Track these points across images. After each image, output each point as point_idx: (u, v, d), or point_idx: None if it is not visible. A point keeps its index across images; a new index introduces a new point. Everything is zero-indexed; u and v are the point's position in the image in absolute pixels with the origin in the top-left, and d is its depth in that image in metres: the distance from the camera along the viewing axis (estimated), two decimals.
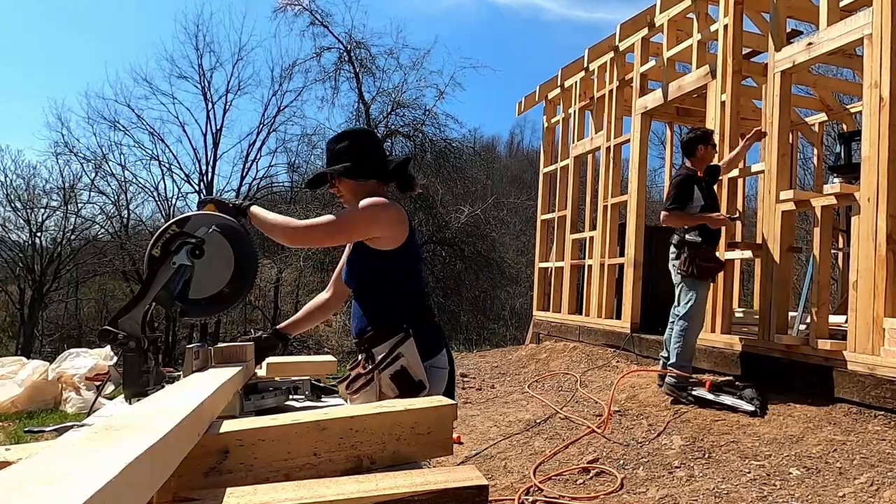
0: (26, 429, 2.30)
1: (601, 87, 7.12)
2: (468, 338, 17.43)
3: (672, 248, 4.53)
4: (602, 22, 51.98)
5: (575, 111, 7.62)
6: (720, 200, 4.87)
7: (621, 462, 3.63)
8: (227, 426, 1.14)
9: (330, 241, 2.00)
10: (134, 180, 19.78)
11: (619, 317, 6.41)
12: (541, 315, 8.07)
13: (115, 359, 1.85)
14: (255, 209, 1.99)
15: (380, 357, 1.87)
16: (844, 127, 6.89)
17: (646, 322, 6.07)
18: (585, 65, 7.26)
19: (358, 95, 17.67)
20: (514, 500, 3.28)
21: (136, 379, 1.75)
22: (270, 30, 38.88)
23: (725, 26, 5.18)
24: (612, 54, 6.83)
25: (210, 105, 19.65)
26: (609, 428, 4.13)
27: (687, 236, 4.39)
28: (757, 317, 4.79)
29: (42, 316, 19.53)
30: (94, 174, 19.28)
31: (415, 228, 2.01)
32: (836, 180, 5.13)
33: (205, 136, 19.62)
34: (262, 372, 2.17)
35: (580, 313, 7.17)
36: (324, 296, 2.22)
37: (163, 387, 1.73)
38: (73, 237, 19.63)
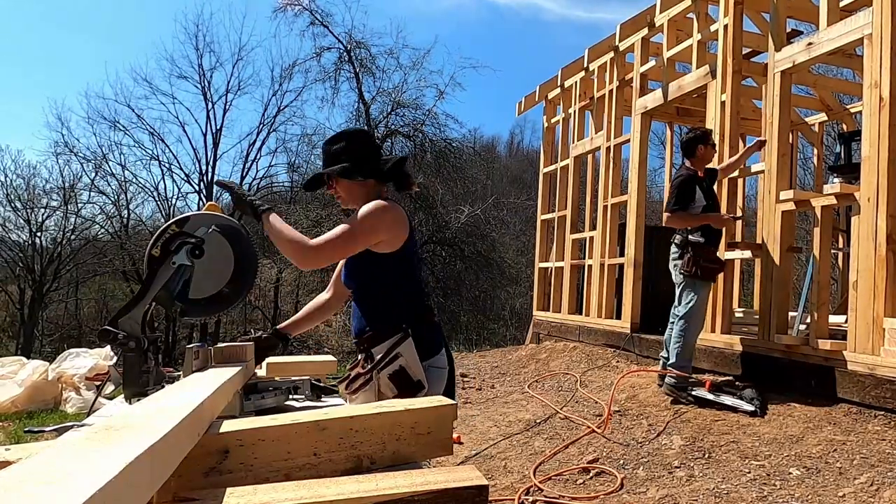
0: (26, 429, 2.30)
1: (601, 87, 7.12)
2: (468, 338, 17.43)
3: (674, 248, 4.53)
4: (602, 22, 52.02)
5: (575, 111, 7.62)
6: (720, 200, 4.88)
7: (621, 462, 3.63)
8: (227, 426, 1.14)
9: (341, 255, 1.92)
10: (134, 180, 19.83)
11: (619, 317, 6.41)
12: (541, 315, 8.07)
13: (115, 359, 1.85)
14: (274, 218, 1.88)
15: (378, 357, 1.88)
16: (844, 127, 6.90)
17: (646, 322, 6.07)
18: (585, 65, 7.26)
19: (358, 95, 17.69)
20: (514, 500, 3.28)
21: (136, 379, 1.75)
22: (270, 30, 38.95)
23: (725, 26, 5.18)
24: (612, 54, 6.83)
25: (210, 105, 19.68)
26: (609, 428, 4.13)
27: (690, 237, 4.39)
28: (757, 317, 4.79)
29: (42, 316, 19.54)
30: (94, 174, 19.32)
31: (414, 228, 2.00)
32: (836, 180, 5.13)
33: (205, 136, 19.65)
34: (262, 372, 2.17)
35: (580, 313, 7.17)
36: (324, 296, 2.22)
37: (163, 387, 1.73)
38: (73, 237, 19.65)
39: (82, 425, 1.39)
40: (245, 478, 1.08)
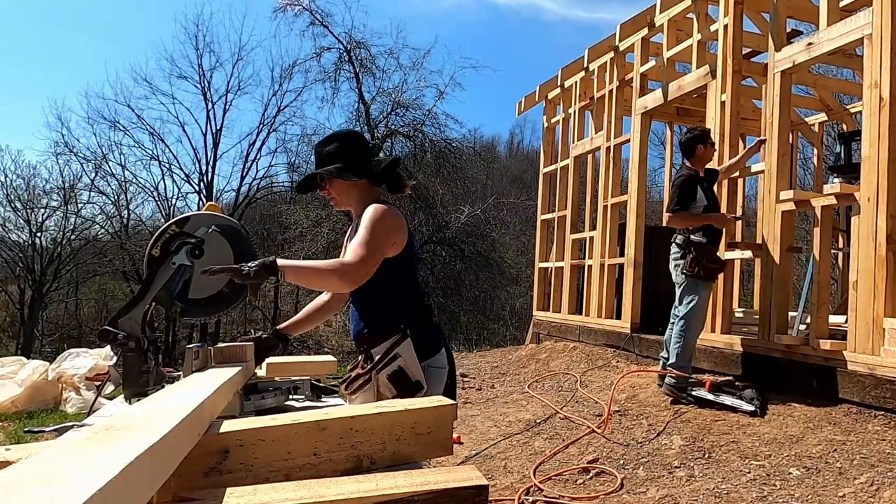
0: (26, 429, 2.30)
1: (601, 87, 7.12)
2: (468, 338, 17.44)
3: (674, 248, 4.52)
4: (602, 22, 52.05)
5: (575, 111, 7.62)
6: (720, 200, 4.88)
7: (621, 462, 3.63)
8: (227, 426, 1.14)
9: (376, 265, 1.79)
10: (134, 180, 19.83)
11: (619, 317, 6.41)
12: (541, 315, 8.07)
13: (115, 359, 1.86)
14: (283, 262, 1.70)
15: (377, 357, 1.88)
16: (844, 127, 6.89)
17: (646, 322, 6.07)
18: (585, 65, 7.26)
19: (358, 95, 17.69)
20: (514, 500, 3.28)
21: (136, 379, 1.75)
22: (270, 30, 38.96)
23: (725, 26, 5.18)
24: (612, 54, 6.83)
25: (210, 105, 19.69)
26: (609, 428, 4.13)
27: (692, 237, 4.39)
28: (757, 317, 4.79)
29: (42, 316, 19.54)
30: (94, 174, 19.33)
31: (412, 229, 2.00)
32: (836, 180, 5.13)
33: (205, 136, 19.66)
34: (262, 372, 2.17)
35: (580, 313, 7.17)
36: (324, 297, 2.22)
37: (163, 387, 1.73)
38: (73, 237, 19.65)
39: (82, 425, 1.39)
40: (245, 478, 1.08)
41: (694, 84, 5.52)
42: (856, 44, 4.07)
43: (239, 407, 1.77)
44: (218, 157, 19.75)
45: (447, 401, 1.32)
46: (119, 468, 0.66)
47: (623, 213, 6.76)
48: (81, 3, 38.99)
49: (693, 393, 4.30)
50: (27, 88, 39.27)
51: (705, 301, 4.46)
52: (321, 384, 2.15)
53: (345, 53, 17.69)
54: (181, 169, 19.87)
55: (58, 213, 19.41)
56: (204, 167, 19.60)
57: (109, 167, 19.39)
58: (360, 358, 1.98)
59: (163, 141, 19.69)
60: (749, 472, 3.23)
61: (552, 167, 8.23)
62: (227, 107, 19.83)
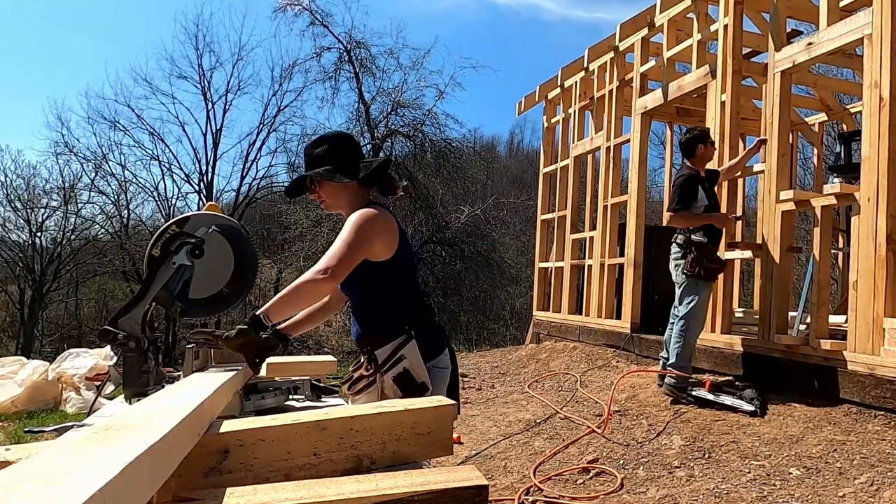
0: (26, 429, 2.30)
1: (601, 87, 7.12)
2: (468, 338, 17.44)
3: (675, 248, 4.52)
4: (602, 22, 52.06)
5: (575, 111, 7.62)
6: (720, 200, 4.88)
7: (621, 462, 3.63)
8: (227, 426, 1.14)
9: (349, 268, 1.77)
10: (134, 180, 19.80)
11: (619, 317, 6.41)
12: (541, 315, 8.07)
13: (115, 359, 1.86)
14: (268, 308, 1.72)
15: (382, 359, 1.86)
16: (844, 127, 6.89)
17: (646, 322, 6.07)
18: (585, 65, 7.26)
19: (358, 95, 17.68)
20: (514, 500, 3.28)
21: (136, 379, 1.75)
22: (270, 30, 38.93)
23: (725, 26, 5.18)
24: (612, 54, 6.83)
25: (210, 105, 19.66)
26: (609, 428, 4.13)
27: (693, 237, 4.38)
28: (757, 317, 4.79)
29: (42, 316, 19.53)
30: (94, 174, 19.30)
31: (404, 230, 1.98)
32: (836, 180, 5.13)
33: (205, 136, 19.64)
34: (262, 372, 2.17)
35: (580, 313, 7.17)
36: (324, 297, 2.21)
37: (163, 387, 1.73)
38: (73, 237, 19.63)
39: (82, 425, 1.39)
40: (245, 478, 1.08)
41: (694, 84, 5.52)
42: (856, 44, 4.07)
43: (239, 407, 1.77)
44: (218, 157, 19.76)
45: (447, 401, 1.32)
46: (119, 468, 0.66)
47: (623, 213, 6.76)
48: (81, 3, 39.04)
49: (693, 393, 4.30)
50: (27, 88, 39.31)
51: (705, 301, 4.46)
52: (321, 384, 2.15)
53: (345, 53, 17.69)
54: (181, 169, 19.88)
55: (58, 213, 19.41)
56: (204, 167, 19.61)
57: (109, 167, 19.40)
58: (362, 359, 1.96)
59: (163, 141, 19.69)
60: (749, 472, 3.23)
61: (552, 167, 8.23)
62: (227, 107, 19.83)
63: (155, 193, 20.00)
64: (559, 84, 7.91)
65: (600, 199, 6.93)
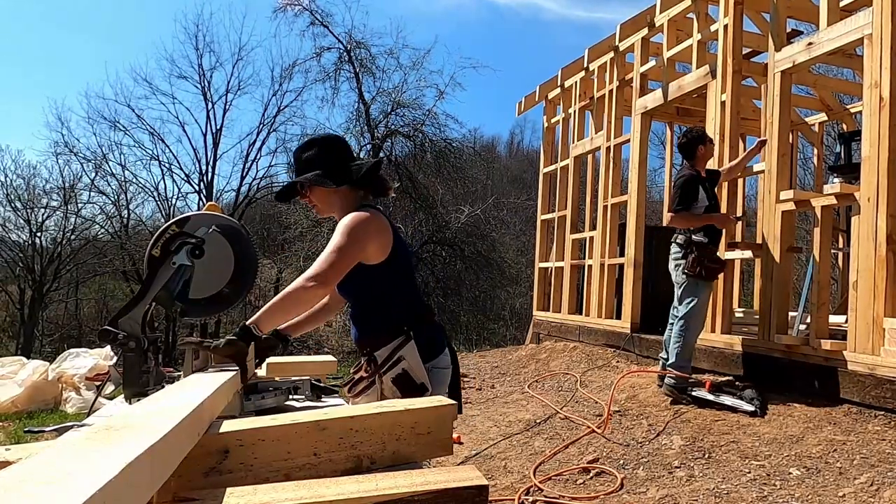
0: (26, 429, 2.30)
1: (601, 87, 7.12)
2: (468, 338, 17.43)
3: (675, 248, 4.52)
4: (602, 22, 52.09)
5: (575, 111, 7.62)
6: (720, 200, 4.88)
7: (621, 462, 3.63)
8: (227, 426, 1.14)
9: (342, 272, 1.75)
10: (134, 180, 19.79)
11: (619, 317, 6.41)
12: (541, 315, 8.07)
13: (115, 359, 1.86)
14: (258, 318, 1.69)
15: (381, 360, 1.86)
16: (844, 127, 6.89)
17: (646, 322, 6.07)
18: (585, 65, 7.26)
19: (358, 95, 17.68)
20: (514, 500, 3.28)
21: (136, 379, 1.75)
22: (270, 30, 38.93)
23: (725, 26, 5.18)
24: (612, 54, 6.83)
25: (210, 105, 19.64)
26: (609, 428, 4.13)
27: (694, 237, 4.39)
28: (757, 317, 4.79)
29: (42, 316, 19.53)
30: (94, 174, 19.29)
31: (400, 230, 1.97)
32: (836, 180, 5.13)
33: (205, 136, 19.62)
34: (262, 372, 2.17)
35: (580, 313, 7.17)
36: (324, 298, 2.21)
37: (163, 387, 1.73)
38: (73, 237, 19.63)
39: (82, 425, 1.39)
40: (245, 478, 1.08)
41: (694, 84, 5.52)
42: (856, 44, 4.07)
43: (239, 407, 1.77)
44: (218, 157, 19.73)
45: (447, 401, 1.32)
46: (119, 468, 0.66)
47: (623, 213, 6.76)
48: (81, 3, 39.06)
49: (693, 393, 4.30)
50: (27, 88, 39.34)
51: (705, 301, 4.46)
52: (321, 384, 2.15)
53: (345, 53, 17.69)
54: (181, 169, 19.86)
55: (58, 213, 19.40)
56: (204, 167, 19.59)
57: (109, 167, 19.39)
58: (362, 360, 1.95)
59: (163, 141, 19.67)
60: (749, 472, 3.23)
61: (552, 167, 8.23)
62: (227, 107, 19.81)
63: (155, 193, 20.02)
64: (559, 84, 7.91)
65: (600, 199, 6.93)
